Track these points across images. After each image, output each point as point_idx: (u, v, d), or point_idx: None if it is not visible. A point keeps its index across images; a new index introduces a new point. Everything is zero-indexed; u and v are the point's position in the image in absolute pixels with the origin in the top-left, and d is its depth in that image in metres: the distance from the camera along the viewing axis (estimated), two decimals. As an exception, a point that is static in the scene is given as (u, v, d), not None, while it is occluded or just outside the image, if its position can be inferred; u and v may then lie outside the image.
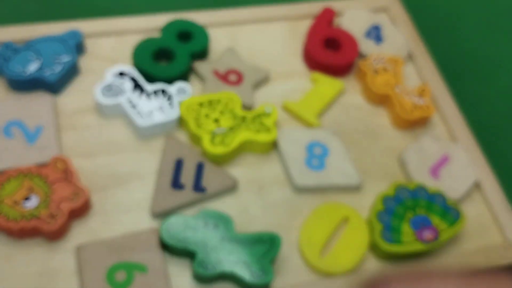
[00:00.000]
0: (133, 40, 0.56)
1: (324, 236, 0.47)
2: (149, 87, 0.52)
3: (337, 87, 0.56)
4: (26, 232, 0.44)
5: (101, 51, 0.56)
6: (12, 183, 0.45)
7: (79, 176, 0.46)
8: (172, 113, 0.51)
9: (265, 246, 0.45)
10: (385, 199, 0.48)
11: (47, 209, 0.44)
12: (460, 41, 0.71)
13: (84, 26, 0.56)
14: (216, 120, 0.51)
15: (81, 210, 0.45)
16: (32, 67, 0.51)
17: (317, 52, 0.57)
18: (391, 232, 0.46)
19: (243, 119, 0.51)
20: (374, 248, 0.47)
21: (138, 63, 0.53)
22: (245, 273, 0.43)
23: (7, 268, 0.43)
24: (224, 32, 0.59)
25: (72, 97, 0.52)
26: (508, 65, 0.70)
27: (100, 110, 0.51)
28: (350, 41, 0.59)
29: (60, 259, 0.44)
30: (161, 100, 0.51)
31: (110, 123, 0.51)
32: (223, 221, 0.45)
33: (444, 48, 0.68)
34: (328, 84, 0.57)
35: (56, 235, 0.44)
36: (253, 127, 0.51)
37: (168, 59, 0.55)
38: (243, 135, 0.50)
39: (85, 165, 0.48)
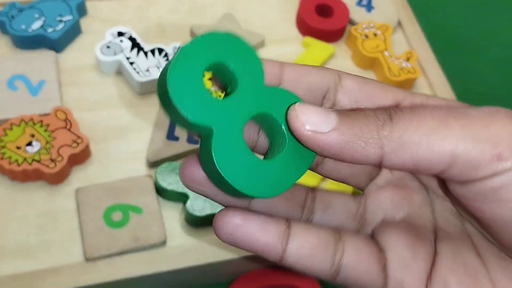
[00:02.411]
0: (133, 3, 0.59)
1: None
2: (146, 46, 0.54)
3: (328, 51, 0.59)
4: (28, 175, 0.46)
5: (102, 13, 0.58)
6: (15, 130, 0.47)
7: (78, 126, 0.49)
8: (168, 71, 0.53)
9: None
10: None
11: (48, 154, 0.46)
12: (449, 12, 0.74)
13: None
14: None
15: (80, 157, 0.48)
16: (36, 25, 0.53)
17: (309, 18, 0.60)
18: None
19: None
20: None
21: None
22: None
23: (10, 209, 0.46)
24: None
25: (73, 55, 0.55)
26: (496, 38, 0.73)
27: (100, 68, 0.54)
28: (342, 8, 0.61)
29: (60, 201, 0.46)
30: (158, 58, 0.54)
31: (109, 80, 0.54)
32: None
33: (432, 19, 0.70)
34: (319, 48, 0.59)
35: (56, 179, 0.47)
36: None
37: None
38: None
39: (85, 118, 0.51)
